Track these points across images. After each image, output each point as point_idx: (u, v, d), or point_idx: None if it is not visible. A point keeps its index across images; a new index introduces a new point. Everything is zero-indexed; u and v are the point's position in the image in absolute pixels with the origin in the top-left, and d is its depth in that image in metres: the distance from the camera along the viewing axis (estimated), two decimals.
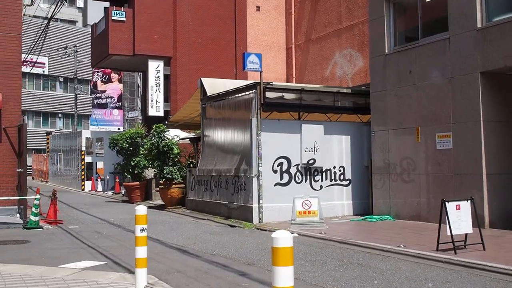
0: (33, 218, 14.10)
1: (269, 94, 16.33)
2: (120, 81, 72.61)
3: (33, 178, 51.10)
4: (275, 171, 16.32)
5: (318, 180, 16.95)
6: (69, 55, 59.52)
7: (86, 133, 35.64)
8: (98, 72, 71.93)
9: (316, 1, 31.07)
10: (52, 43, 63.53)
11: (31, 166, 56.15)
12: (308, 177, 16.79)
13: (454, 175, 13.79)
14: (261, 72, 16.22)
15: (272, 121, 16.47)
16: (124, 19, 30.35)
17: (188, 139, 22.36)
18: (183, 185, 21.17)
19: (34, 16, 68.04)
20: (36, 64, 64.48)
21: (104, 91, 72.00)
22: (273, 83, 16.73)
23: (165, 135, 21.39)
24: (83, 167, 33.82)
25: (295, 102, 16.81)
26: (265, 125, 16.20)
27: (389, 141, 15.93)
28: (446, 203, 9.85)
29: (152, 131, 21.46)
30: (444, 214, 9.72)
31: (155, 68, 30.78)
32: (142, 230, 6.92)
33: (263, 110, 16.15)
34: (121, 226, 15.39)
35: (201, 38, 31.89)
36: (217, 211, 17.99)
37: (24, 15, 26.40)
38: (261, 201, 15.89)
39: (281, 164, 16.45)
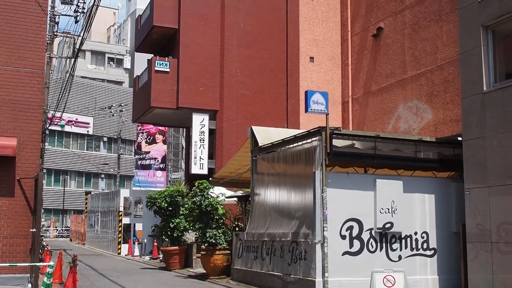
0: None
1: (336, 142, 13.37)
2: (164, 142, 71.02)
3: (70, 240, 48.72)
4: (343, 237, 13.17)
5: (396, 249, 13.67)
6: (113, 115, 58.22)
7: (124, 193, 33.11)
8: (142, 133, 70.63)
9: (376, 51, 28.33)
10: (97, 103, 62.68)
11: (69, 227, 53.98)
12: (384, 244, 13.55)
13: None
14: (327, 114, 13.32)
15: (339, 175, 13.44)
16: (168, 69, 28.21)
17: (235, 198, 19.46)
18: (228, 252, 18.10)
19: (82, 77, 67.90)
20: (80, 124, 63.70)
21: (148, 152, 70.41)
22: (341, 129, 13.76)
23: (209, 193, 18.51)
24: (120, 229, 31.11)
25: (368, 152, 13.76)
26: (331, 179, 13.17)
27: (489, 200, 12.61)
28: None
29: (194, 188, 18.62)
30: None
31: (200, 122, 28.30)
32: None
33: (329, 161, 13.14)
34: None
35: (250, 90, 29.39)
36: (270, 284, 14.79)
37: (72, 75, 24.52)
38: (326, 274, 12.69)
39: (350, 228, 13.31)
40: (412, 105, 26.41)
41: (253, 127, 17.05)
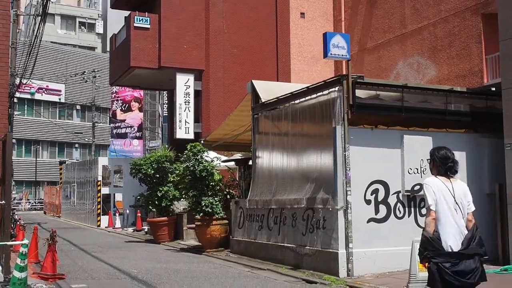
0: (17, 274, 9.18)
1: (358, 93, 11.50)
2: (140, 109, 68.54)
3: (45, 213, 46.42)
4: (368, 202, 11.42)
5: (425, 214, 11.94)
6: (86, 81, 55.44)
7: (103, 161, 30.93)
8: (117, 100, 67.98)
9: (372, 4, 26.42)
10: (69, 69, 59.74)
11: (42, 199, 51.62)
12: (412, 209, 11.87)
13: None
14: (348, 60, 11.40)
15: (362, 131, 11.60)
16: (149, 26, 25.90)
17: (229, 163, 17.50)
18: (226, 221, 16.28)
19: (52, 42, 64.60)
20: (51, 91, 60.69)
21: (124, 120, 67.96)
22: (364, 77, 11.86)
23: (203, 157, 16.57)
24: (99, 199, 29.03)
25: (395, 104, 11.93)
26: (354, 136, 11.34)
27: None
28: None
29: (186, 151, 16.64)
30: None
31: (184, 83, 26.17)
32: None
33: (352, 115, 11.27)
34: (151, 285, 10.47)
35: (238, 48, 27.28)
36: (279, 257, 13.02)
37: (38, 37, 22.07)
38: (350, 245, 10.96)
39: (376, 191, 11.55)
40: (412, 61, 24.64)
41: (254, 81, 15.09)
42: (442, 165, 5.71)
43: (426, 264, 5.57)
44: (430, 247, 5.42)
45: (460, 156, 12.47)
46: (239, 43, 27.26)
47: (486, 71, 20.81)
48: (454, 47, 22.32)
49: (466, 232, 5.50)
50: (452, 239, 5.42)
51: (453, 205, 5.57)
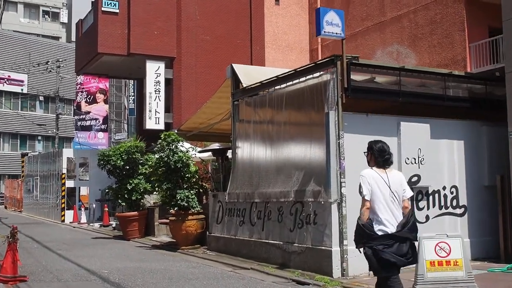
0: None
1: (354, 76, 10.54)
2: (106, 101, 66.45)
3: (5, 208, 44.44)
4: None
5: (423, 208, 11.11)
6: (50, 71, 53.36)
7: (68, 153, 29.38)
8: (82, 92, 65.79)
9: None
10: (32, 59, 57.52)
11: (3, 193, 49.55)
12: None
13: None
14: (343, 39, 10.40)
15: (356, 117, 10.62)
16: (117, 10, 24.59)
17: (210, 152, 16.37)
18: (202, 216, 15.18)
19: (14, 31, 62.21)
20: (13, 82, 58.44)
21: (89, 112, 65.79)
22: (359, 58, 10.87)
23: (178, 147, 15.42)
24: (63, 193, 27.54)
25: (391, 88, 10.99)
26: (348, 123, 10.37)
27: None
28: None
29: (160, 141, 15.46)
30: None
31: (155, 71, 24.94)
32: None
33: (347, 99, 10.28)
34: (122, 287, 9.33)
35: (210, 35, 26.14)
36: (263, 255, 12.01)
37: None
38: (345, 242, 10.00)
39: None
40: (392, 49, 23.87)
41: (234, 65, 13.96)
42: (379, 157, 6.08)
43: (362, 249, 5.88)
44: (364, 233, 5.80)
45: (457, 145, 11.71)
46: (212, 29, 26.14)
47: (469, 59, 20.13)
48: (436, 35, 21.60)
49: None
50: (389, 226, 5.78)
51: (389, 194, 5.91)
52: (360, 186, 5.96)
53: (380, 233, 5.72)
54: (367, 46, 24.87)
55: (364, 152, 6.66)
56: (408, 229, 5.78)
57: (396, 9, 23.60)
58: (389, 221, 5.78)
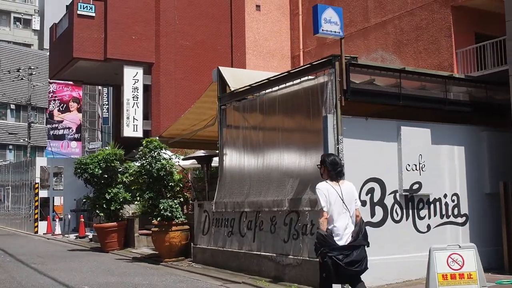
0: None
1: (353, 77, 9.97)
2: (79, 110, 65.26)
3: None
4: (363, 203, 9.83)
5: (424, 217, 10.57)
6: (22, 79, 52.03)
7: (41, 162, 28.34)
8: (55, 100, 64.41)
9: None
10: (3, 66, 56.07)
11: None
12: (410, 211, 10.41)
13: None
14: (342, 38, 9.83)
15: (355, 121, 10.03)
16: (94, 14, 23.79)
17: (194, 160, 15.66)
18: (187, 227, 14.44)
19: None
20: None
21: (62, 121, 64.43)
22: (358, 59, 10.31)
23: (161, 154, 14.67)
24: (36, 204, 26.48)
25: (391, 91, 10.44)
26: (347, 127, 9.78)
27: None
28: None
29: (142, 148, 14.70)
30: None
31: (133, 77, 24.15)
32: None
33: (346, 101, 9.69)
34: None
35: (190, 41, 25.46)
36: (254, 268, 11.33)
37: None
38: None
39: (371, 191, 10.03)
40: (376, 56, 23.48)
41: (221, 68, 13.34)
42: (332, 170, 6.52)
43: (322, 258, 6.26)
44: (325, 243, 6.20)
45: (458, 151, 11.21)
46: (192, 35, 25.47)
47: (456, 66, 19.79)
48: (422, 41, 21.25)
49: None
50: (344, 234, 6.27)
51: (342, 206, 6.34)
52: (317, 199, 6.41)
53: (338, 241, 6.20)
54: (351, 52, 24.28)
55: (318, 165, 6.89)
56: (363, 236, 6.32)
57: (380, 15, 23.25)
58: (344, 230, 6.27)
